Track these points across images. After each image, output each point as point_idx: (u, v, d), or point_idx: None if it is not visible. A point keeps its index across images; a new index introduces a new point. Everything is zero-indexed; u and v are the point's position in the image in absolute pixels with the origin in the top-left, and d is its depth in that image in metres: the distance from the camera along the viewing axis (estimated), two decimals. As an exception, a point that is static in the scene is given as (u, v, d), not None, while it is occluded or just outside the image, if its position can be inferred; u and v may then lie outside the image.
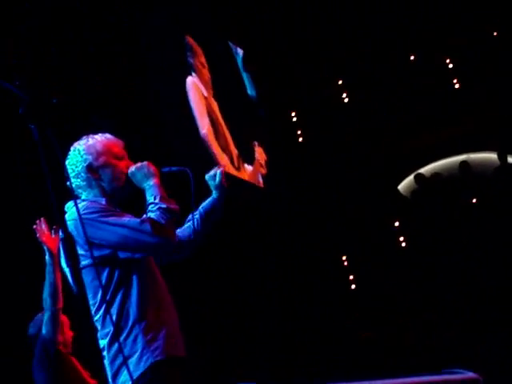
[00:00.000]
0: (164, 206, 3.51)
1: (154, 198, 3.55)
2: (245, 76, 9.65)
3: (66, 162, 3.65)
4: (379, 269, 10.12)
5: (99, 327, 3.49)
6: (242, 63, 9.65)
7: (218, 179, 3.99)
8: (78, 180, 3.62)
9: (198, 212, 3.91)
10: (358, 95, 11.43)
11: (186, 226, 3.96)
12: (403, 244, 10.75)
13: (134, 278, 3.50)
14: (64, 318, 5.23)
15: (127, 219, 3.46)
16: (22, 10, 5.65)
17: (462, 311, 8.94)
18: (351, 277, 10.51)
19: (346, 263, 10.64)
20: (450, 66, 11.44)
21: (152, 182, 3.61)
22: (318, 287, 9.75)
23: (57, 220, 3.09)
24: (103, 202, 3.59)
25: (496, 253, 9.19)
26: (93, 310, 3.49)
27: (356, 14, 10.82)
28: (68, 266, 3.65)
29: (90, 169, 3.62)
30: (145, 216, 3.50)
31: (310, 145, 11.18)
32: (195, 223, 3.88)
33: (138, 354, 3.41)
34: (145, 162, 3.66)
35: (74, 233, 3.46)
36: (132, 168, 3.65)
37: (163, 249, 3.54)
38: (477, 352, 8.01)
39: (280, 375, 8.05)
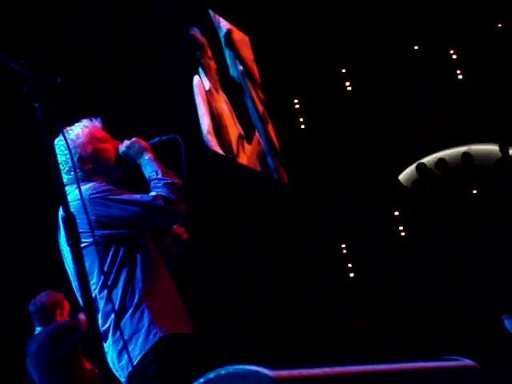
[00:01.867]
0: (169, 180, 3.51)
1: (156, 174, 3.55)
2: (226, 53, 9.58)
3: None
4: (378, 257, 10.14)
5: (102, 305, 3.48)
6: (224, 39, 9.58)
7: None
8: (72, 174, 3.60)
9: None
10: (360, 84, 11.43)
11: None
12: (402, 233, 10.77)
13: (139, 255, 3.49)
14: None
15: (139, 196, 3.46)
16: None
17: (460, 300, 8.97)
18: (350, 265, 10.54)
19: (345, 251, 10.66)
20: (454, 56, 11.43)
21: (147, 156, 3.62)
22: (316, 275, 9.77)
23: (58, 196, 3.07)
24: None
25: (496, 244, 9.21)
26: (96, 288, 3.48)
27: (360, 2, 10.82)
28: (69, 245, 3.64)
29: (82, 161, 3.62)
30: (154, 192, 3.48)
31: (311, 132, 11.18)
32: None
33: (145, 328, 3.41)
34: (134, 139, 3.66)
35: (78, 212, 3.45)
36: (122, 147, 3.65)
37: (176, 222, 3.60)
38: (476, 339, 8.04)
39: (279, 361, 8.07)
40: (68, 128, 3.68)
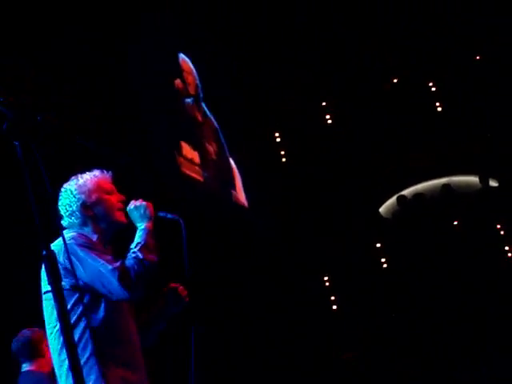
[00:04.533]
0: (141, 257, 3.56)
1: (137, 245, 3.62)
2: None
3: (59, 203, 3.75)
4: (361, 289, 10.14)
5: (56, 354, 3.54)
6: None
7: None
8: (73, 218, 3.73)
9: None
10: (341, 117, 11.50)
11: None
12: (385, 265, 10.78)
13: (101, 310, 3.55)
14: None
15: (102, 262, 3.52)
16: (8, 27, 5.67)
17: (444, 330, 8.99)
18: (333, 297, 10.53)
19: (327, 283, 10.65)
20: (433, 89, 11.53)
21: (144, 224, 3.70)
22: (299, 307, 9.75)
23: (40, 238, 3.08)
24: (94, 239, 3.68)
25: (478, 274, 9.25)
26: (52, 332, 3.56)
27: (340, 36, 10.91)
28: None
29: (85, 207, 3.72)
30: (120, 263, 3.54)
31: (293, 165, 11.22)
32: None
33: (93, 381, 3.44)
34: (144, 203, 3.75)
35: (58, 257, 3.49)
36: (131, 205, 3.75)
37: (127, 299, 3.58)
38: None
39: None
40: (79, 175, 3.81)
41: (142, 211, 3.73)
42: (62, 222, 3.74)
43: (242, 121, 10.42)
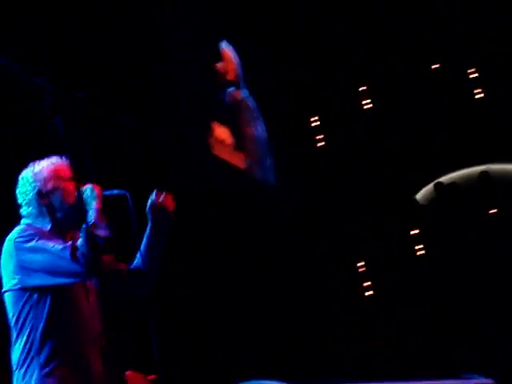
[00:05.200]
0: (91, 231, 3.60)
1: (87, 224, 3.65)
2: None
3: (17, 191, 3.81)
4: (396, 276, 10.09)
5: (11, 355, 3.64)
6: None
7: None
8: (30, 208, 3.77)
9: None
10: (379, 102, 11.40)
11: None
12: (420, 252, 10.70)
13: (46, 310, 3.60)
14: None
15: (51, 245, 3.58)
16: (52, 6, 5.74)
17: (477, 318, 8.91)
18: (367, 283, 10.48)
19: (362, 269, 10.61)
20: (474, 75, 11.39)
21: (93, 205, 3.73)
22: (332, 292, 9.73)
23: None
24: (47, 228, 3.72)
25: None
26: (11, 336, 3.64)
27: (380, 20, 10.80)
28: None
29: (40, 195, 3.75)
30: (70, 242, 3.61)
31: (329, 150, 11.16)
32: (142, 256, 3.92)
33: None
34: (88, 185, 3.78)
35: (8, 254, 3.65)
36: (77, 192, 3.80)
37: (82, 276, 3.63)
38: (493, 357, 7.98)
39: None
40: (36, 162, 3.83)
41: (88, 193, 3.75)
42: (21, 210, 3.80)
43: (281, 105, 10.37)
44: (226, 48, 9.29)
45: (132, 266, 3.97)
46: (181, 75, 8.22)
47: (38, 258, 3.54)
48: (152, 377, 3.85)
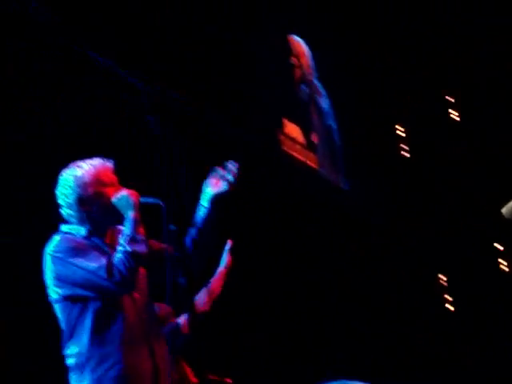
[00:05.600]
0: (129, 249, 3.56)
1: (124, 238, 3.63)
2: None
3: (57, 191, 3.78)
4: (478, 291, 9.91)
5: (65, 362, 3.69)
6: None
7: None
8: (71, 211, 3.74)
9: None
10: (467, 113, 11.21)
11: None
12: (505, 268, 10.50)
13: (91, 316, 3.62)
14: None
15: (87, 263, 3.56)
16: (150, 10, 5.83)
17: None
18: (448, 297, 10.31)
19: (444, 283, 10.44)
20: None
21: (129, 214, 3.66)
22: (413, 305, 9.60)
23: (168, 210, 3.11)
24: (83, 233, 3.71)
25: None
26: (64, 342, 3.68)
27: (470, 31, 10.64)
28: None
29: (81, 200, 3.72)
30: (106, 259, 3.58)
31: (413, 160, 11.02)
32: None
33: None
34: (124, 192, 3.72)
35: (47, 267, 3.68)
36: (113, 198, 3.73)
37: (118, 294, 3.64)
38: None
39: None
40: (78, 163, 3.78)
41: (124, 201, 3.68)
42: (62, 211, 3.77)
43: (364, 109, 10.31)
44: (298, 42, 9.32)
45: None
46: (259, 71, 8.28)
47: (74, 274, 3.55)
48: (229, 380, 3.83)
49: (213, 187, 3.83)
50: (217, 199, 3.82)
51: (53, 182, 3.74)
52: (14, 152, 5.46)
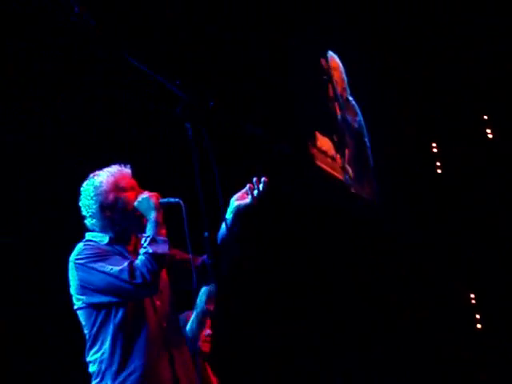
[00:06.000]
0: (150, 251, 3.58)
1: (146, 239, 3.64)
2: None
3: (80, 204, 3.83)
4: (508, 310, 9.84)
5: (88, 367, 3.72)
6: None
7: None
8: (94, 220, 3.78)
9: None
10: (503, 132, 11.15)
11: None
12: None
13: (114, 323, 3.63)
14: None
15: (110, 267, 3.58)
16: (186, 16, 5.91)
17: None
18: (477, 316, 10.26)
19: (473, 301, 10.39)
20: None
21: (152, 215, 3.69)
22: (441, 323, 9.56)
23: (203, 218, 3.16)
24: (105, 241, 3.74)
25: None
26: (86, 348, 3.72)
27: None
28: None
29: (102, 208, 3.75)
30: (128, 262, 3.59)
31: (448, 177, 10.99)
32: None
33: None
34: (146, 194, 3.74)
35: (71, 274, 3.71)
36: (135, 201, 3.75)
37: (141, 296, 3.66)
38: None
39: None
40: (96, 173, 3.85)
41: (145, 203, 3.71)
42: (86, 222, 3.82)
43: (397, 125, 10.31)
44: (333, 57, 9.37)
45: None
46: (293, 84, 8.33)
47: (97, 279, 3.58)
48: None
49: (238, 200, 3.84)
50: (239, 212, 3.80)
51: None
52: (46, 157, 5.56)
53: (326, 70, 9.21)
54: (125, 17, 5.63)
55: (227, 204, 3.80)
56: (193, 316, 4.94)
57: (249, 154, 6.41)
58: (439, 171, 11.14)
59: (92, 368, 3.68)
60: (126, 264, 3.57)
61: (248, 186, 3.85)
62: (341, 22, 9.28)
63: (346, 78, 9.54)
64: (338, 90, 9.37)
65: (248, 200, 3.82)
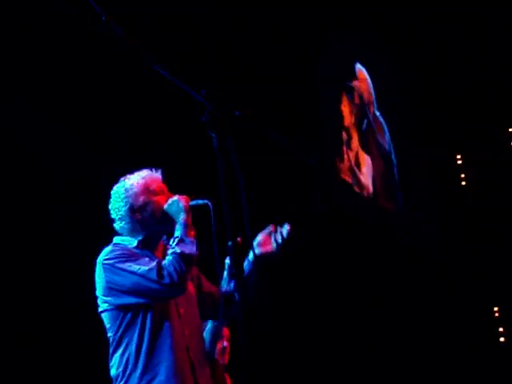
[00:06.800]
0: (178, 251, 3.62)
1: (174, 240, 3.68)
2: None
3: (109, 207, 3.89)
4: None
5: (110, 369, 3.76)
6: None
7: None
8: (123, 222, 3.84)
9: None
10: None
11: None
12: None
13: (139, 327, 3.67)
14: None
15: (138, 267, 3.61)
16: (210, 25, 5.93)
17: None
18: (501, 329, 10.17)
19: (496, 314, 10.30)
20: None
21: (181, 217, 3.72)
22: (465, 336, 9.49)
23: (227, 227, 3.15)
24: (134, 244, 3.77)
25: None
26: (109, 351, 3.75)
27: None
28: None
29: (132, 210, 3.81)
30: (156, 261, 3.63)
31: (472, 189, 10.92)
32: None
33: None
34: (175, 197, 3.79)
35: (98, 276, 3.75)
36: (165, 205, 3.81)
37: (169, 296, 3.70)
38: None
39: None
40: (127, 176, 3.90)
41: (175, 206, 3.73)
42: (115, 225, 3.87)
43: (421, 136, 10.28)
44: (361, 69, 9.36)
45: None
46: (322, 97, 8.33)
47: (125, 280, 3.59)
48: None
49: (261, 246, 3.91)
50: (262, 259, 3.85)
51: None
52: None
53: (354, 79, 9.21)
54: (151, 25, 5.66)
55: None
56: (206, 329, 4.94)
57: (274, 164, 6.41)
58: (463, 183, 11.09)
59: (115, 371, 3.69)
60: (154, 263, 3.61)
61: (270, 228, 3.89)
62: (368, 35, 9.28)
63: (373, 93, 9.53)
64: (366, 101, 9.37)
65: (271, 247, 3.87)
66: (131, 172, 3.89)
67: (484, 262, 10.31)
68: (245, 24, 6.80)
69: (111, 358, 3.71)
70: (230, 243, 3.53)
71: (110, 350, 3.72)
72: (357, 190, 8.88)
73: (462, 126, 10.85)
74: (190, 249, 3.61)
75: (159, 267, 3.56)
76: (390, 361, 8.55)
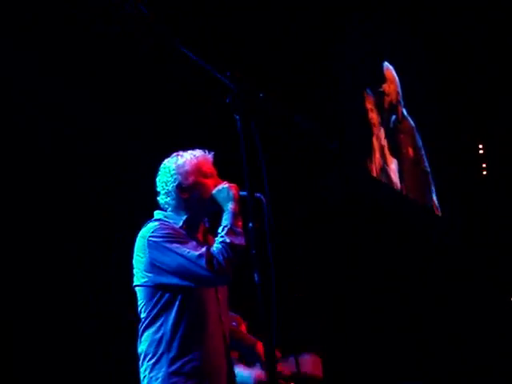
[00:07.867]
0: (228, 240, 3.56)
1: (223, 229, 3.61)
2: None
3: (157, 179, 3.81)
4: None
5: (139, 344, 3.69)
6: None
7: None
8: (169, 198, 3.75)
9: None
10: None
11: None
12: None
13: (177, 308, 3.61)
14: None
15: (187, 250, 3.55)
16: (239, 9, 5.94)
17: None
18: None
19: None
20: None
21: (229, 206, 3.67)
22: (487, 332, 9.49)
23: (249, 209, 3.15)
24: (179, 224, 3.70)
25: None
26: (140, 327, 3.69)
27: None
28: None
29: (180, 188, 3.73)
30: (205, 248, 3.56)
31: (494, 180, 10.91)
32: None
33: (159, 381, 3.58)
34: (225, 185, 3.72)
35: (141, 251, 3.66)
36: (214, 190, 3.72)
37: (215, 284, 3.66)
38: None
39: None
40: (180, 152, 3.82)
41: (225, 193, 3.69)
42: (158, 198, 3.79)
43: (446, 129, 10.27)
44: (388, 68, 9.34)
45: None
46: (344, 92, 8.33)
47: (171, 260, 3.55)
48: None
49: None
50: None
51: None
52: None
53: (384, 81, 9.21)
54: (177, 6, 5.66)
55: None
56: None
57: (297, 147, 6.40)
58: (485, 173, 11.08)
59: (145, 347, 3.65)
60: (203, 250, 3.55)
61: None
62: (396, 33, 9.29)
63: (400, 92, 9.53)
64: (394, 100, 9.37)
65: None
66: (184, 149, 3.83)
67: (506, 255, 10.32)
68: (273, 9, 6.78)
69: (142, 334, 3.64)
70: (250, 225, 3.53)
71: (141, 326, 3.67)
72: (396, 187, 8.91)
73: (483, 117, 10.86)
74: (240, 240, 3.56)
75: (209, 254, 3.51)
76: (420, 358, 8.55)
